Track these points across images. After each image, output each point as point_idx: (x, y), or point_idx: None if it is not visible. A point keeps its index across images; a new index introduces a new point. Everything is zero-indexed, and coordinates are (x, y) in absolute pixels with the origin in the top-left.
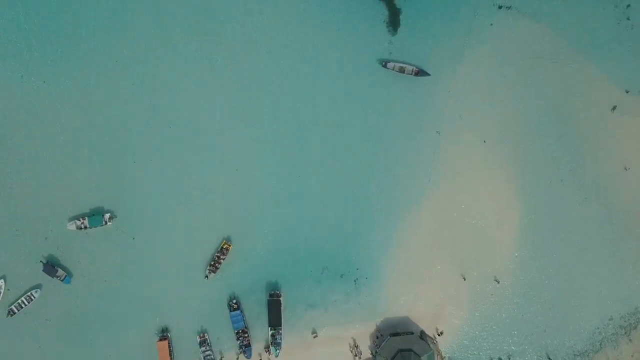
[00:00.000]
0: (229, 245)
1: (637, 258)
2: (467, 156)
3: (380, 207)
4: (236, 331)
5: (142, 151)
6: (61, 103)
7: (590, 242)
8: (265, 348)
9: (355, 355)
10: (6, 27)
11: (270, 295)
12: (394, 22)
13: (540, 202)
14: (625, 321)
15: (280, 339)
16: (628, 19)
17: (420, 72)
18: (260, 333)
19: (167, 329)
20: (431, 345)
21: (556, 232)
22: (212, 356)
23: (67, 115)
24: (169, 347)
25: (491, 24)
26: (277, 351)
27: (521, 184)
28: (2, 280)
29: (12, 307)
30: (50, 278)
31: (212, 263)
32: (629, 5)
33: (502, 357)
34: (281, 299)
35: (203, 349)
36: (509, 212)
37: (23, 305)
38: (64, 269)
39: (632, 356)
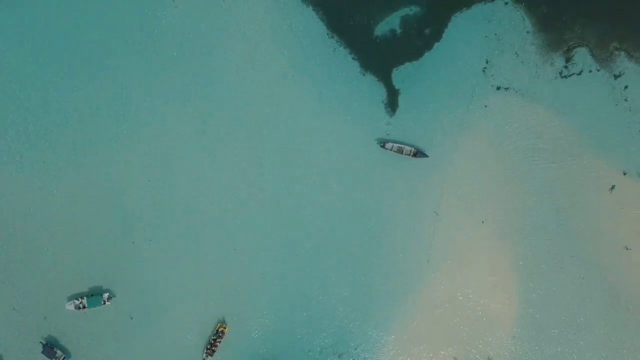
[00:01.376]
0: (225, 328)
1: (636, 339)
2: (465, 236)
3: (378, 288)
4: None
5: (141, 231)
6: (60, 183)
7: (589, 322)
8: None
9: None
10: (5, 105)
11: None
12: (392, 103)
13: (539, 282)
14: None
15: None
16: (626, 100)
17: (418, 154)
18: None
19: None
20: None
21: (555, 313)
22: None
23: (65, 194)
24: None
25: (485, 106)
26: None
27: (519, 263)
28: None
29: None
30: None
31: (209, 347)
32: (626, 87)
33: None
34: None
35: None
36: (507, 291)
37: None
38: (62, 349)
39: None
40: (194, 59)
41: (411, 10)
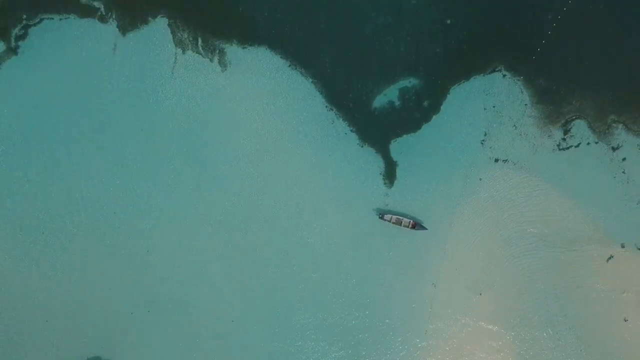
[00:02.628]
0: None
1: None
2: (463, 308)
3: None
4: None
5: (140, 304)
6: (59, 256)
7: None
8: None
9: None
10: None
11: None
12: (390, 174)
13: (537, 356)
14: None
15: None
16: (624, 172)
17: (417, 226)
18: None
19: None
20: None
21: None
22: None
23: (62, 267)
24: None
25: (480, 179)
26: None
27: (516, 337)
28: None
29: None
30: None
31: None
32: (624, 159)
33: None
34: None
35: None
36: None
37: None
38: None
39: None
40: (192, 130)
41: (409, 82)
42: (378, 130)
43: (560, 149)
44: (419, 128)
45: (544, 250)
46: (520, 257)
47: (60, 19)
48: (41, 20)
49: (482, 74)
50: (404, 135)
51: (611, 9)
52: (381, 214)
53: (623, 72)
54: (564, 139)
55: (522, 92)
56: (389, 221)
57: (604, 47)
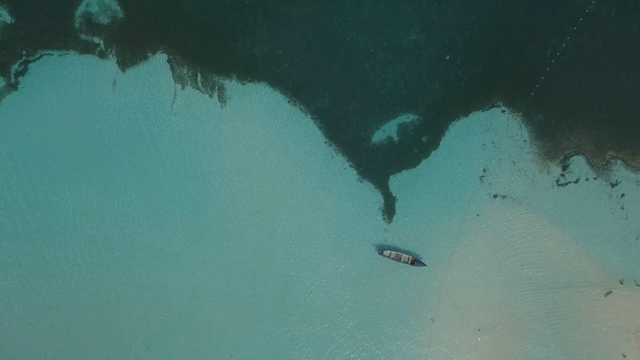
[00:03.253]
0: None
1: None
2: (461, 343)
3: None
4: None
5: (139, 339)
6: (58, 291)
7: None
8: None
9: None
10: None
11: None
12: (389, 210)
13: None
14: None
15: None
16: (622, 208)
17: (416, 262)
18: None
19: None
20: None
21: None
22: None
23: (63, 303)
24: None
25: (477, 215)
26: None
27: None
28: None
29: None
30: None
31: None
32: (623, 195)
33: None
34: None
35: None
36: None
37: None
38: None
39: None
40: (191, 165)
41: (408, 118)
42: (377, 166)
43: (559, 185)
44: (418, 164)
45: (542, 291)
46: (519, 297)
47: (60, 55)
48: (41, 56)
49: (481, 110)
50: (403, 171)
51: (609, 46)
52: (380, 250)
53: (621, 108)
54: (563, 175)
55: (521, 127)
56: (388, 257)
57: (602, 84)
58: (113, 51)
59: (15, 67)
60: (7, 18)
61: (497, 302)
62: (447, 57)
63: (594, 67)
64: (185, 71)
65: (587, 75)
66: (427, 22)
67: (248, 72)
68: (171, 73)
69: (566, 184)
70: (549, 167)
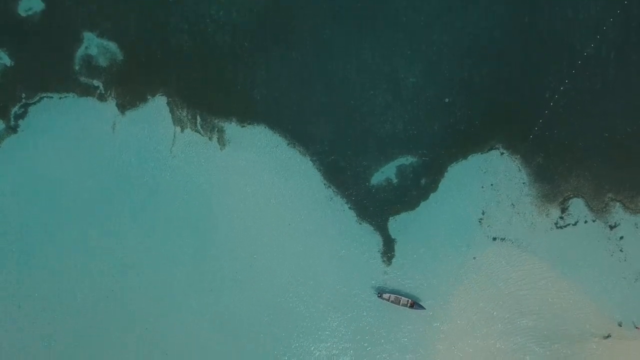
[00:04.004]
0: None
1: None
2: None
3: None
4: None
5: None
6: (56, 332)
7: None
8: None
9: None
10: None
11: None
12: (388, 252)
13: None
14: None
15: None
16: (621, 250)
17: (415, 305)
18: None
19: None
20: None
21: None
22: None
23: (59, 344)
24: None
25: (474, 258)
26: None
27: None
28: None
29: None
30: None
31: None
32: (622, 237)
33: None
34: None
35: None
36: None
37: None
38: None
39: None
40: (190, 208)
41: (407, 160)
42: (376, 208)
43: (558, 227)
44: (417, 206)
45: (542, 343)
46: (519, 335)
47: (60, 98)
48: (40, 98)
49: (480, 153)
50: (402, 213)
51: (608, 89)
52: (379, 293)
53: (620, 151)
54: (561, 218)
55: (520, 170)
56: (387, 300)
57: (601, 127)
58: (112, 94)
59: (15, 109)
60: (7, 61)
61: (495, 344)
62: (447, 100)
63: (592, 110)
64: (184, 114)
65: (585, 118)
66: (426, 64)
67: (247, 115)
68: (170, 116)
69: (565, 226)
70: (548, 210)
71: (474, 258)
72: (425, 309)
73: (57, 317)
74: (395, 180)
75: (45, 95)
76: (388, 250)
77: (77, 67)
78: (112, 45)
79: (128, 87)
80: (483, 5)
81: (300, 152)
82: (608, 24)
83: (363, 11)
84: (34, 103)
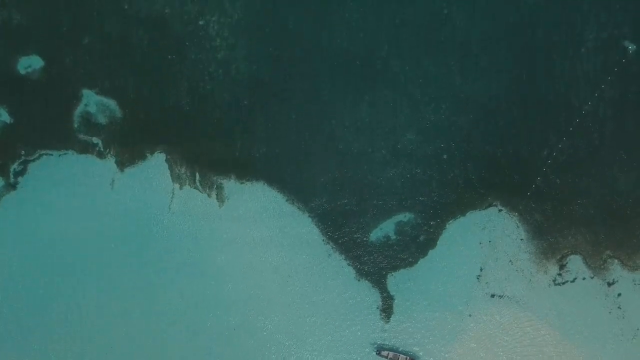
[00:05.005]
0: None
1: None
2: None
3: None
4: None
5: None
6: None
7: None
8: None
9: None
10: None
11: None
12: (387, 309)
13: None
14: None
15: None
16: (619, 307)
17: None
18: None
19: None
20: None
21: None
22: None
23: None
24: None
25: (469, 315)
26: None
27: None
28: None
29: None
30: None
31: None
32: (619, 294)
33: None
34: None
35: None
36: None
37: None
38: None
39: None
40: (188, 264)
41: (405, 217)
42: (375, 265)
43: (556, 284)
44: (416, 262)
45: None
46: None
47: (59, 155)
48: (40, 156)
49: (478, 209)
50: (401, 270)
51: (606, 146)
52: (378, 350)
53: (618, 208)
54: (559, 274)
55: (518, 227)
56: (386, 357)
57: (598, 184)
58: (111, 151)
59: (14, 166)
60: (7, 118)
61: None
62: (444, 157)
63: (590, 168)
64: (183, 171)
65: (583, 175)
66: (424, 122)
67: (246, 172)
68: (169, 173)
69: (563, 283)
70: (546, 267)
71: (470, 315)
72: None
73: None
74: (394, 237)
75: (44, 152)
76: (387, 307)
77: (76, 125)
78: (111, 103)
79: (127, 144)
80: (481, 63)
81: (299, 208)
82: (605, 82)
83: (361, 70)
84: (34, 160)
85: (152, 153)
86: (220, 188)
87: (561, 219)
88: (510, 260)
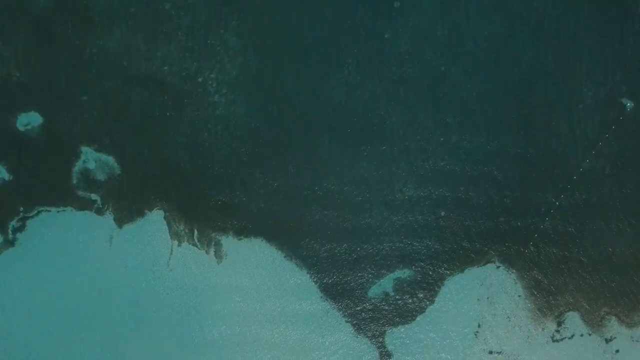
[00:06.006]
0: None
1: None
2: None
3: None
4: None
5: None
6: None
7: None
8: None
9: None
10: None
11: None
12: None
13: None
14: None
15: None
16: None
17: None
18: None
19: None
20: None
21: None
22: None
23: None
24: None
25: None
26: None
27: None
28: None
29: None
30: None
31: None
32: (617, 351)
33: None
34: None
35: None
36: None
37: None
38: None
39: None
40: (187, 322)
41: (404, 273)
42: (372, 321)
43: (554, 341)
44: (414, 319)
45: None
46: None
47: (58, 211)
48: (39, 212)
49: (476, 266)
50: (399, 326)
51: (604, 203)
52: None
53: (615, 265)
54: (557, 331)
55: (515, 283)
56: None
57: (596, 241)
58: (110, 208)
59: (13, 223)
60: (5, 175)
61: None
62: (442, 214)
63: (588, 225)
64: (182, 227)
65: (581, 232)
66: (422, 178)
67: (244, 228)
68: (168, 229)
69: (561, 339)
70: (544, 323)
71: None
72: None
73: None
74: (392, 294)
75: (43, 209)
76: None
77: (75, 181)
78: (110, 160)
79: (125, 201)
80: (479, 120)
81: (296, 264)
82: (603, 140)
83: (359, 125)
84: (32, 216)
85: (150, 210)
86: (218, 244)
87: (559, 275)
88: (508, 317)
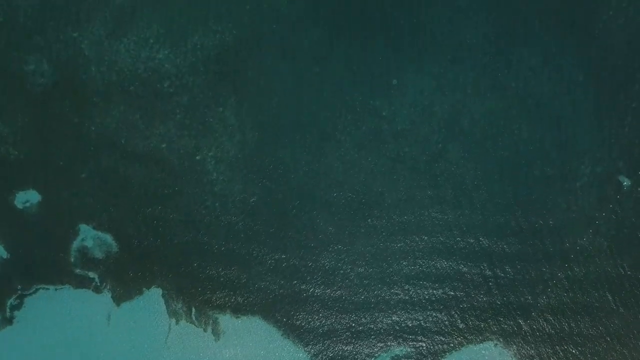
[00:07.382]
0: None
1: None
2: None
3: None
4: None
5: None
6: None
7: None
8: None
9: None
10: None
11: None
12: None
13: None
14: None
15: None
16: None
17: None
18: None
19: None
20: None
21: None
22: None
23: None
24: None
25: None
26: None
27: None
28: None
29: None
30: None
31: None
32: None
33: None
34: None
35: None
36: None
37: None
38: None
39: None
40: None
41: (401, 351)
42: None
43: None
44: None
45: None
46: None
47: (56, 289)
48: (36, 290)
49: (473, 344)
50: None
51: (602, 281)
52: None
53: (613, 341)
54: None
55: None
56: None
57: (594, 319)
58: (108, 285)
59: (11, 301)
60: (3, 253)
61: None
62: (440, 292)
63: (586, 302)
64: (179, 306)
65: (579, 310)
66: (417, 254)
67: (242, 306)
68: (165, 308)
69: None
70: None
71: None
72: None
73: None
74: None
75: (41, 286)
76: None
77: (73, 259)
78: (108, 237)
79: (123, 279)
80: (476, 198)
81: (294, 342)
82: (600, 218)
83: (356, 203)
84: (30, 294)
85: (148, 288)
86: (216, 323)
87: (556, 353)
88: None
